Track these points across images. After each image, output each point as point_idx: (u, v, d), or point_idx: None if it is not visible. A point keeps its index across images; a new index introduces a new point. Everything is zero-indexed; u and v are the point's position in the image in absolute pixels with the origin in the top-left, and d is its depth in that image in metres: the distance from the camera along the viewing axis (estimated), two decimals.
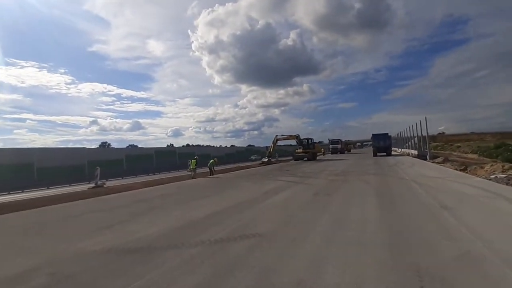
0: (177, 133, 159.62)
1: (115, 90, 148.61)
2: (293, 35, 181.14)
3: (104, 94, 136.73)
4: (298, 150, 30.04)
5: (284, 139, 30.63)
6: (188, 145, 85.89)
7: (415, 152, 28.91)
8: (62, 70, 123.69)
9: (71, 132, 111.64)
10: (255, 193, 8.57)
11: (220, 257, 3.40)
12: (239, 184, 11.63)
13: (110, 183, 17.34)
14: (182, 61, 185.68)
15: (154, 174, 29.82)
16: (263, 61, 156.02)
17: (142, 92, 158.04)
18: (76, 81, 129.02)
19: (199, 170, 18.78)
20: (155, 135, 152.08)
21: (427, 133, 24.76)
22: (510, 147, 26.32)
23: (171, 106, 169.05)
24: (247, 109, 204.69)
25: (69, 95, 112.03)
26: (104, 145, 77.83)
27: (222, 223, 5.08)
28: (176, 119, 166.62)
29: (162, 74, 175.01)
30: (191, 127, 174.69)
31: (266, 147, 62.80)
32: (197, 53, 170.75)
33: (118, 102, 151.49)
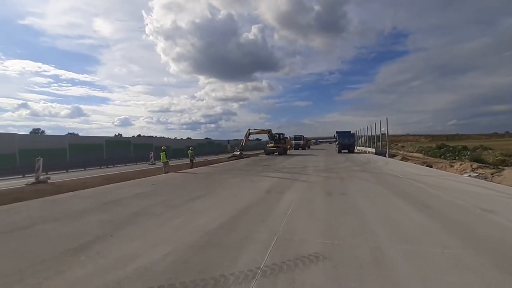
0: (126, 122, 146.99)
1: (52, 70, 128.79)
2: (255, 29, 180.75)
3: (37, 74, 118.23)
4: (270, 145, 30.02)
5: (256, 133, 29.92)
6: (139, 135, 79.04)
7: (372, 150, 30.92)
8: None
9: None
10: (255, 193, 7.41)
11: None
12: (225, 180, 10.28)
13: (53, 177, 14.16)
14: (134, 44, 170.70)
15: (107, 167, 26.06)
16: (223, 53, 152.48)
17: (85, 75, 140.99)
18: (3, 57, 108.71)
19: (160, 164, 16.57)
20: (99, 123, 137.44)
21: (387, 132, 26.45)
22: (450, 148, 29.81)
23: (119, 92, 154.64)
24: (204, 101, 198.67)
25: None
26: (37, 132, 67.05)
27: (253, 237, 3.87)
28: (125, 107, 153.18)
29: (110, 57, 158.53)
30: (142, 116, 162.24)
31: (228, 140, 61.54)
32: (151, 38, 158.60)
33: (56, 85, 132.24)
